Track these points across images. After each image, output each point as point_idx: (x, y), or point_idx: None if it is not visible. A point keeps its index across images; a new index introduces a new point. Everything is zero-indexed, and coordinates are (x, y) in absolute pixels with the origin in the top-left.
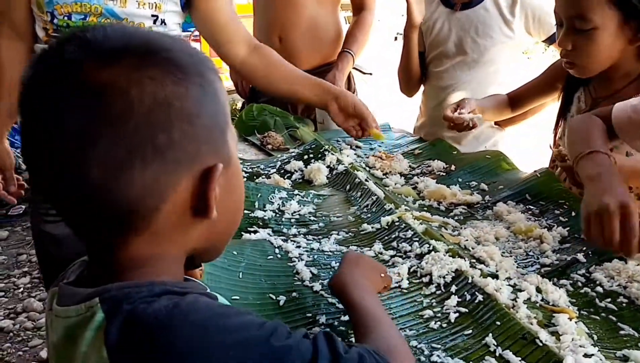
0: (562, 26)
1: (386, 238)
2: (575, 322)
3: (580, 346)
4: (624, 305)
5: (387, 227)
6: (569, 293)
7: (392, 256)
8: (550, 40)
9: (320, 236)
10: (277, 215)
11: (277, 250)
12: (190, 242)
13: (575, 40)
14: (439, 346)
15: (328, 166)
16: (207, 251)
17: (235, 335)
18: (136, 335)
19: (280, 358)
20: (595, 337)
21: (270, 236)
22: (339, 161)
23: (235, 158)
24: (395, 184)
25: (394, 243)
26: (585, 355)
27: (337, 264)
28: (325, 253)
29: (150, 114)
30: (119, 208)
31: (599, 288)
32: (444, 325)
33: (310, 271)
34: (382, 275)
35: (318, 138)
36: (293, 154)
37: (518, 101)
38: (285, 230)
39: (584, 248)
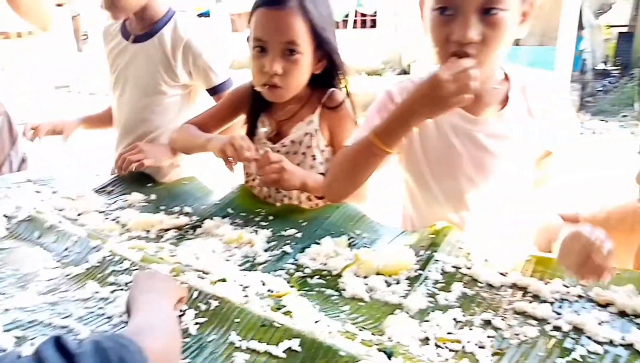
0: (264, 51)
1: (100, 275)
2: (300, 300)
3: (309, 316)
4: (327, 277)
5: (98, 264)
6: (286, 279)
7: (112, 291)
8: (214, 92)
9: (13, 293)
10: None
11: None
12: None
13: (284, 64)
14: (187, 360)
15: (5, 216)
16: None
17: None
18: None
19: None
20: (318, 307)
21: None
22: (18, 208)
23: None
24: (95, 222)
25: (111, 278)
26: (316, 321)
27: (50, 317)
28: (27, 309)
29: None
30: None
31: (307, 270)
32: (187, 340)
33: (14, 336)
34: (176, 287)
35: None
36: None
37: (204, 129)
38: None
39: (288, 242)
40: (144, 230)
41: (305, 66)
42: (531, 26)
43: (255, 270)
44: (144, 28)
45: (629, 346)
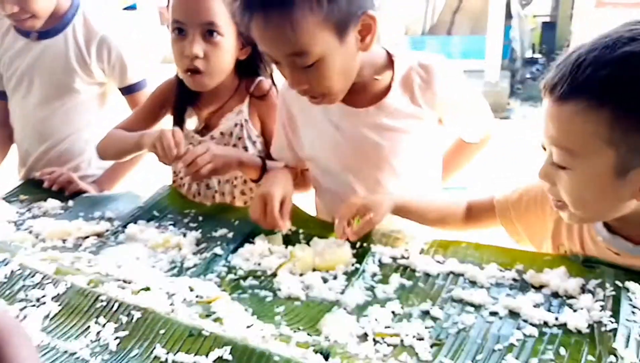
0: (183, 34)
1: (8, 291)
2: (232, 304)
3: (241, 321)
4: (261, 277)
5: (6, 280)
6: (217, 283)
7: (22, 309)
8: (128, 91)
9: None
10: None
11: None
12: None
13: (205, 47)
14: None
15: None
16: None
17: None
18: None
19: None
20: (251, 310)
21: None
22: None
23: None
24: (5, 233)
25: (21, 294)
26: (248, 326)
27: None
28: None
29: None
30: None
31: (240, 272)
32: (107, 357)
33: None
34: None
35: None
36: None
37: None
38: None
39: (219, 243)
40: (60, 239)
41: (227, 49)
42: (462, 16)
43: (184, 276)
44: (49, 23)
45: (562, 326)
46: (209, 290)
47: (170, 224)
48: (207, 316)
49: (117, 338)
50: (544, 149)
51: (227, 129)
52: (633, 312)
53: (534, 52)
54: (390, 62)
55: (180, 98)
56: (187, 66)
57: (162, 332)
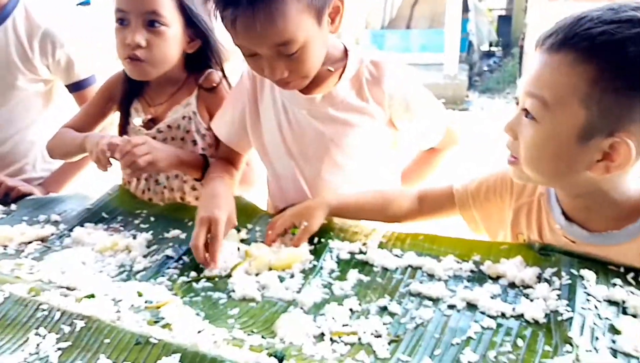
0: (126, 23)
1: None
2: (182, 309)
3: (191, 326)
4: (215, 279)
5: None
6: (169, 287)
7: None
8: (75, 88)
9: None
10: None
11: None
12: None
13: (148, 36)
14: None
15: None
16: None
17: None
18: None
19: None
20: (203, 314)
21: None
22: None
23: None
24: None
25: None
26: (199, 332)
27: None
28: None
29: None
30: None
31: (192, 273)
32: None
33: None
34: None
35: None
36: None
37: (80, 130)
38: None
39: (171, 244)
40: (1, 245)
41: (172, 40)
42: (421, 10)
43: (133, 280)
44: None
45: (519, 317)
46: (159, 294)
47: (120, 226)
48: (156, 322)
49: (58, 349)
50: (517, 103)
51: (174, 121)
52: (588, 300)
53: (490, 45)
54: (345, 56)
55: (126, 92)
56: (127, 54)
57: (106, 341)
